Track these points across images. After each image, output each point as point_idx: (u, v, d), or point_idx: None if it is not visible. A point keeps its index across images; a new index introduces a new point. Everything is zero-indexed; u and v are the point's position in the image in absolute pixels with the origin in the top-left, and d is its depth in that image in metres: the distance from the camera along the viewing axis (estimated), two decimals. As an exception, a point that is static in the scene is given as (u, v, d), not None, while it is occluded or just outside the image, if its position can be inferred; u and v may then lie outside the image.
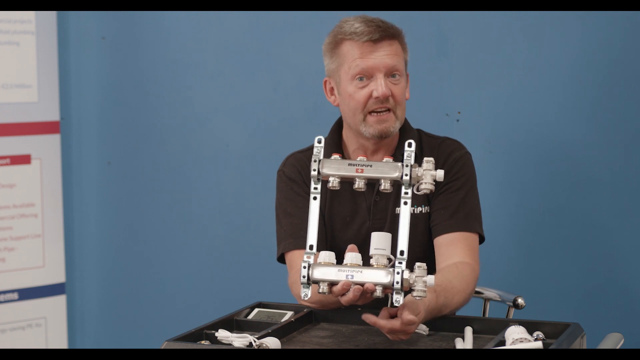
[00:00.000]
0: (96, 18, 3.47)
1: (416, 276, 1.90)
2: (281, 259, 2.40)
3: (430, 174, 1.96)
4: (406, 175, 1.95)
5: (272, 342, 1.95)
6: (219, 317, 2.17)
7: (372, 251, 1.96)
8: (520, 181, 2.92)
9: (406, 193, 1.96)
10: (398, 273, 1.89)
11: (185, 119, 3.39)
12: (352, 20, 2.33)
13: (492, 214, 2.77)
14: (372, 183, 2.28)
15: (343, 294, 1.95)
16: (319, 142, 2.01)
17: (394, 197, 2.32)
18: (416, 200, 2.32)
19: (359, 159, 1.99)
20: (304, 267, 1.93)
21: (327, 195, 2.37)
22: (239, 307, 2.28)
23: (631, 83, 2.78)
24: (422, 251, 2.34)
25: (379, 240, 1.95)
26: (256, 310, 2.25)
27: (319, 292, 1.95)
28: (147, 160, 3.47)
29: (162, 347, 1.95)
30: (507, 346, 1.91)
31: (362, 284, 1.93)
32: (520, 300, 2.48)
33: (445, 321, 2.12)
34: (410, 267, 1.90)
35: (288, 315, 2.20)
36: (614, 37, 2.79)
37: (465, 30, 2.94)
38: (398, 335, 2.01)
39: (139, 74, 3.46)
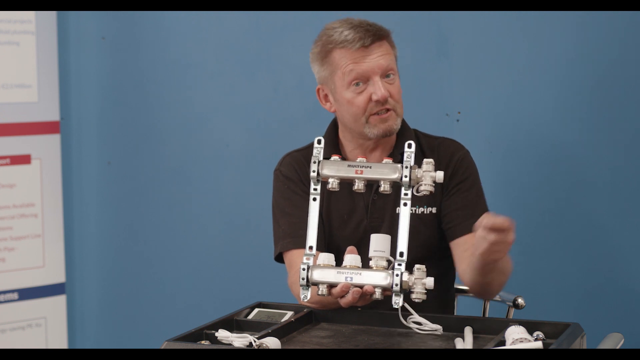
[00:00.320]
0: (96, 18, 3.47)
1: (415, 278, 1.89)
2: (279, 258, 2.40)
3: (429, 175, 1.96)
4: (406, 176, 1.95)
5: (272, 342, 1.95)
6: (219, 317, 2.17)
7: (371, 253, 1.96)
8: (520, 181, 2.91)
9: (406, 194, 1.96)
10: (397, 275, 1.89)
11: (185, 119, 3.39)
12: (339, 27, 2.31)
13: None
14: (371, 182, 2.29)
15: (342, 296, 1.95)
16: (319, 142, 2.01)
17: (393, 197, 2.31)
18: (418, 201, 2.32)
19: (358, 160, 1.99)
20: (303, 269, 1.93)
21: (325, 193, 2.36)
22: (239, 307, 2.28)
23: (631, 83, 2.78)
24: (426, 252, 2.33)
25: (378, 242, 1.95)
26: (256, 310, 2.24)
27: (318, 294, 1.95)
28: (147, 160, 3.47)
29: (162, 347, 1.95)
30: (507, 346, 1.91)
31: (361, 286, 1.93)
32: (520, 300, 2.48)
33: (445, 321, 2.12)
34: (411, 268, 1.90)
35: (288, 315, 2.20)
36: (614, 37, 2.78)
37: (465, 30, 2.94)
38: (498, 245, 2.01)
39: (139, 74, 3.46)
